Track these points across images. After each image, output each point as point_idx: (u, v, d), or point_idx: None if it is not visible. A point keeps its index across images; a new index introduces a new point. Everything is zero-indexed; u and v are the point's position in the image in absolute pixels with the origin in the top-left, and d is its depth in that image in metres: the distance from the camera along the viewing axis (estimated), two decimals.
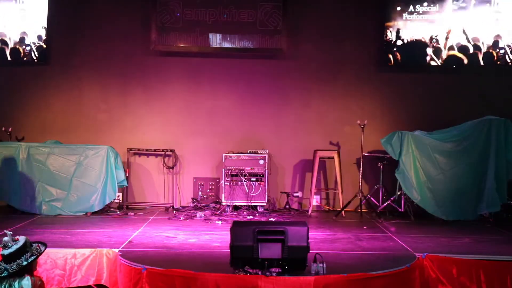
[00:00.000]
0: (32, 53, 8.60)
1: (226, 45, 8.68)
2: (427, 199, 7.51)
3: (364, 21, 8.74)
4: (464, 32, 8.51)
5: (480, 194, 7.50)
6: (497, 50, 8.50)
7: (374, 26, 8.70)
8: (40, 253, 4.00)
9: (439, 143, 7.63)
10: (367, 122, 8.09)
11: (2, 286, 3.82)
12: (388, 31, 8.59)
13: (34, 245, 4.01)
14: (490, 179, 7.47)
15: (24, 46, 8.59)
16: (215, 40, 8.67)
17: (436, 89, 8.73)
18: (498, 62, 8.51)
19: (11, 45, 8.61)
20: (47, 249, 4.17)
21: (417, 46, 8.60)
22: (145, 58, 8.72)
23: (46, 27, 8.56)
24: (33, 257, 3.92)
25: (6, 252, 3.86)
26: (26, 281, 3.85)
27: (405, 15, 8.58)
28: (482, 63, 8.51)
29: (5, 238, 3.92)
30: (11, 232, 4.01)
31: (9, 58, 8.61)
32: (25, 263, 3.86)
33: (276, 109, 8.80)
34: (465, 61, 8.53)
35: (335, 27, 8.77)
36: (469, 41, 8.53)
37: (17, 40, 8.61)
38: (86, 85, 8.78)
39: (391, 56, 8.63)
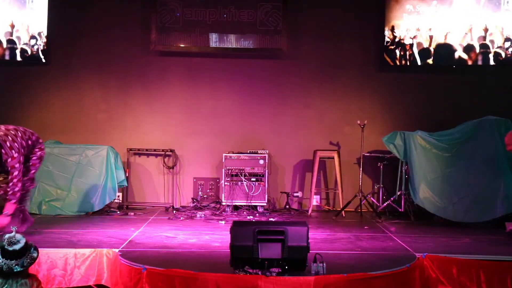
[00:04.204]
0: (39, 52, 8.60)
1: (226, 45, 8.68)
2: (431, 200, 7.32)
3: (364, 21, 8.73)
4: (470, 31, 8.51)
5: (495, 195, 7.17)
6: (506, 49, 8.47)
7: (375, 25, 8.69)
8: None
9: (442, 144, 7.54)
10: (367, 122, 8.09)
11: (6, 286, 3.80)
12: (389, 31, 8.60)
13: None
14: (509, 179, 7.18)
15: (28, 46, 8.59)
16: (215, 40, 8.67)
17: (437, 89, 8.72)
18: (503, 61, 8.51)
19: (19, 45, 8.61)
20: (47, 249, 4.17)
21: (418, 46, 8.61)
22: (145, 58, 8.72)
23: (46, 27, 8.55)
24: (36, 251, 3.92)
25: (17, 246, 3.83)
26: (25, 281, 3.84)
27: (405, 15, 8.59)
28: (492, 62, 8.48)
29: (10, 234, 3.89)
30: (16, 228, 4.00)
31: (15, 58, 8.62)
32: (35, 254, 3.87)
33: (276, 109, 8.80)
34: (469, 61, 8.51)
35: (335, 27, 8.77)
36: (473, 39, 8.53)
37: (25, 40, 8.61)
38: (86, 85, 8.78)
39: (391, 56, 8.64)
